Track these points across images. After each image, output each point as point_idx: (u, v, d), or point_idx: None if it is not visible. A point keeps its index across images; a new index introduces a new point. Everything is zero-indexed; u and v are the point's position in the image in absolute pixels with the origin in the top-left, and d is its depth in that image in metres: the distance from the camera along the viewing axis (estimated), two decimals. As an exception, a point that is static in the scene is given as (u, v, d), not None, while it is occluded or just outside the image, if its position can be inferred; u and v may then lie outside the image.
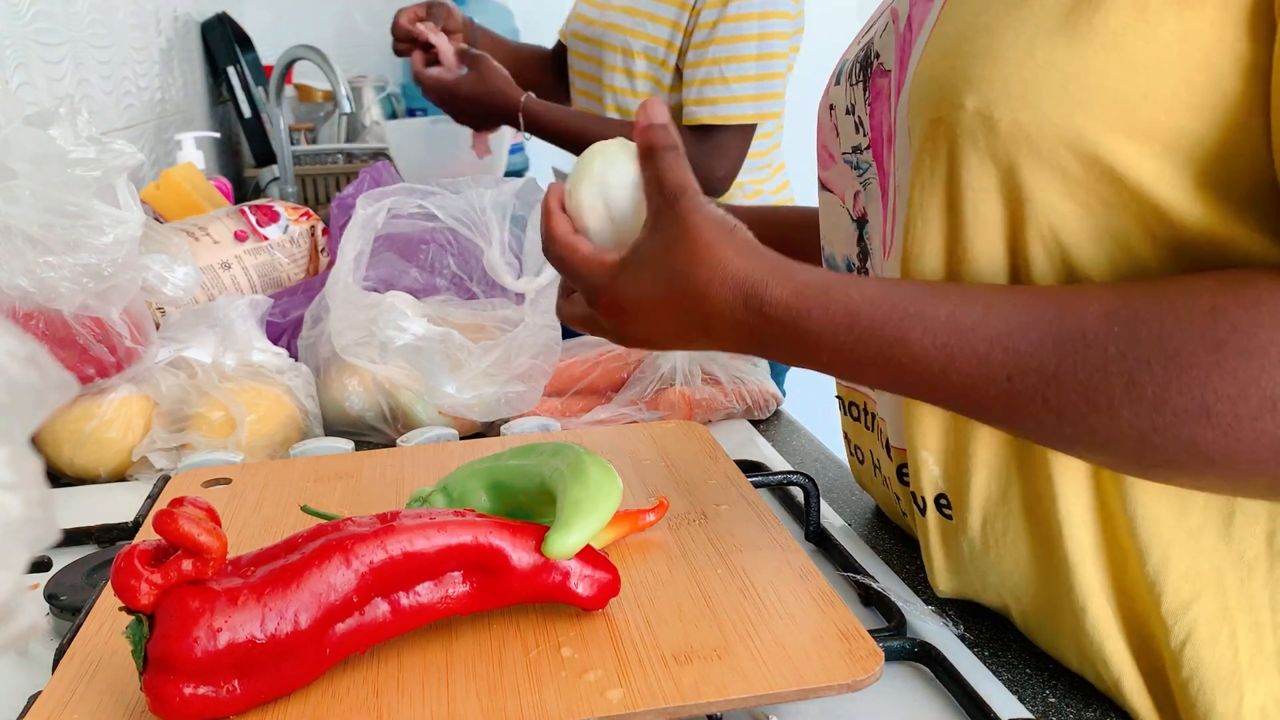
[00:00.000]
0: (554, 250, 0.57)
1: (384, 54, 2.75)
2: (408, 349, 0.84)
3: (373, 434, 0.89)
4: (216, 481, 0.70)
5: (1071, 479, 0.51)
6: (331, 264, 1.00)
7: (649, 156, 0.53)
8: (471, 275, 1.01)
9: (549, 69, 1.73)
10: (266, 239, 1.12)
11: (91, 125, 0.81)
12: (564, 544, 0.50)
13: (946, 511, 0.57)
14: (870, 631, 0.51)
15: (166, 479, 0.75)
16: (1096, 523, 0.51)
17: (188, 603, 0.43)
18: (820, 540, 0.67)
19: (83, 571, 0.63)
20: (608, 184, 0.56)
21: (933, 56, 0.51)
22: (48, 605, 0.60)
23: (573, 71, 1.63)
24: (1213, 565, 0.48)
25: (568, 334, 0.93)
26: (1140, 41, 0.43)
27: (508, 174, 1.89)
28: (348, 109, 1.67)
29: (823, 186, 0.67)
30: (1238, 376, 0.39)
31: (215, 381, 0.85)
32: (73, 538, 0.70)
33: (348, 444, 0.82)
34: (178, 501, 0.45)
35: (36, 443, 0.82)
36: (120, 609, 0.45)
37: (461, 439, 0.84)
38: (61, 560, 0.65)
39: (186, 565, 0.44)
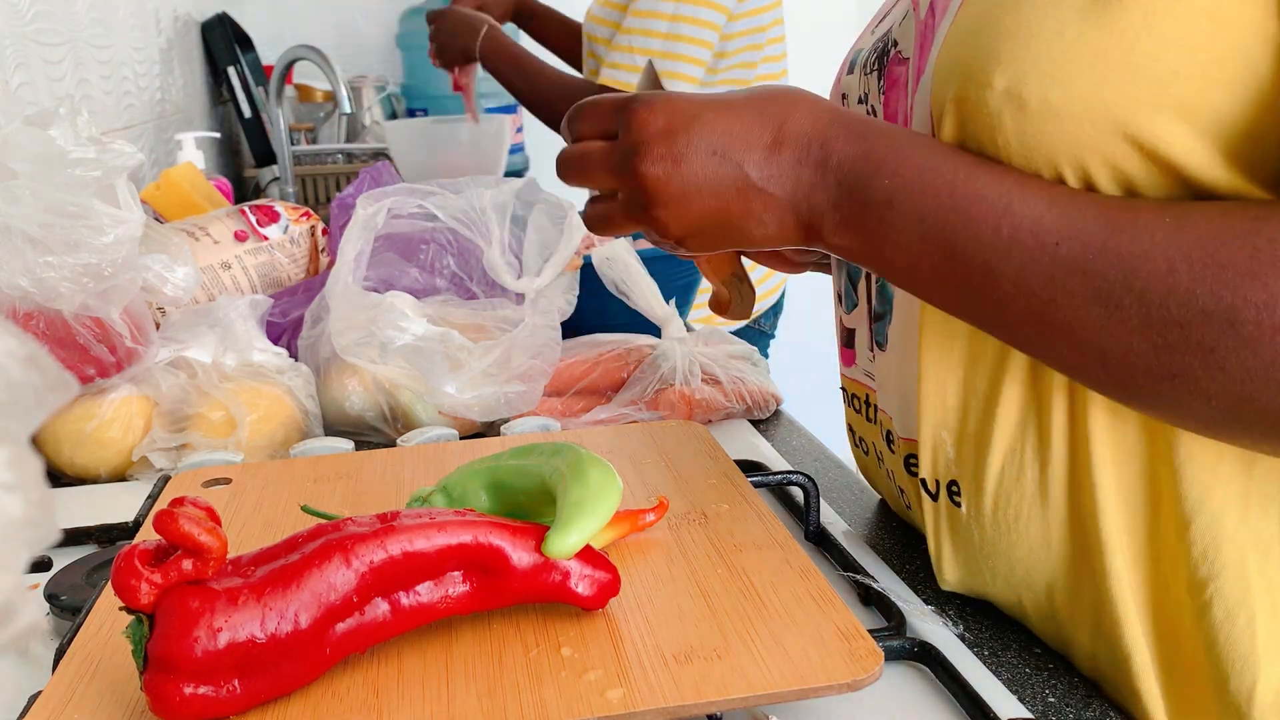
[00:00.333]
0: (590, 105, 0.56)
1: (384, 54, 2.76)
2: (408, 349, 0.84)
3: (373, 434, 0.89)
4: (216, 481, 0.70)
5: (1111, 448, 0.50)
6: (331, 264, 1.00)
7: None
8: (471, 275, 1.01)
9: (578, 47, 1.87)
10: (266, 239, 1.12)
11: (91, 125, 0.81)
12: (564, 544, 0.50)
13: (956, 499, 0.57)
14: (870, 631, 0.51)
15: (166, 479, 0.75)
16: (1135, 496, 0.51)
17: (188, 603, 0.43)
18: (820, 540, 0.67)
19: (83, 571, 0.63)
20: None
21: (958, 37, 0.51)
22: (48, 605, 0.60)
23: (584, 68, 1.80)
24: (1235, 546, 0.48)
25: (568, 334, 0.93)
26: (1171, 19, 0.43)
27: (508, 174, 1.90)
28: (348, 109, 1.67)
29: None
30: (1268, 286, 0.40)
31: (215, 381, 0.85)
32: (73, 538, 0.70)
33: (348, 444, 0.82)
34: (178, 501, 0.45)
35: (36, 443, 0.82)
36: (120, 609, 0.45)
37: (461, 439, 0.84)
38: (61, 560, 0.65)
39: (186, 565, 0.44)
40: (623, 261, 0.93)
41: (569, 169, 0.57)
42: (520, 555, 0.50)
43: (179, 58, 1.89)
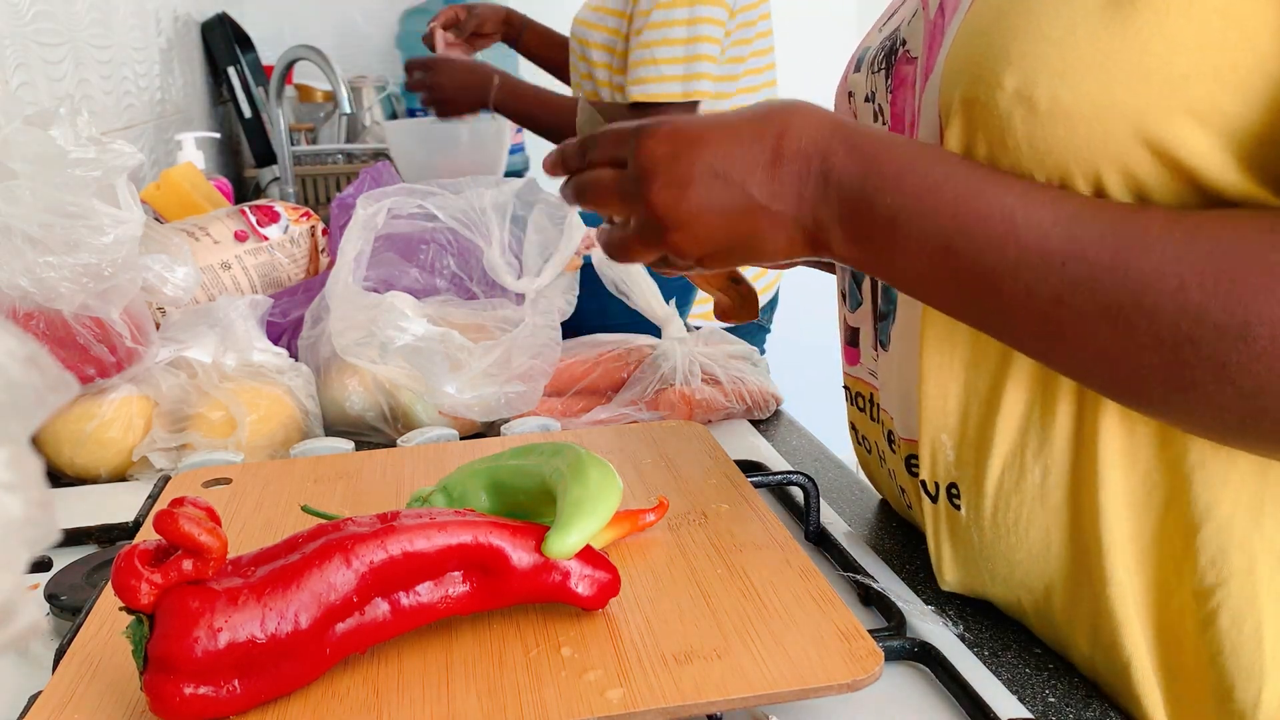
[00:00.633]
0: (602, 135, 0.56)
1: (384, 54, 2.76)
2: (408, 349, 0.84)
3: (373, 434, 0.89)
4: (217, 481, 0.70)
5: (1118, 453, 0.50)
6: (331, 264, 1.00)
7: None
8: (471, 275, 1.01)
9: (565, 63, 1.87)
10: (266, 239, 1.12)
11: (91, 125, 0.81)
12: (564, 544, 0.50)
13: (956, 502, 0.57)
14: (870, 631, 0.51)
15: (166, 479, 0.75)
16: (1141, 500, 0.50)
17: (188, 603, 0.43)
18: (820, 540, 0.67)
19: (83, 571, 0.63)
20: None
21: (968, 36, 0.50)
22: (48, 605, 0.60)
23: (572, 71, 1.80)
24: (1245, 553, 0.48)
25: (568, 334, 0.93)
26: (1183, 20, 0.43)
27: (508, 174, 1.90)
28: (348, 109, 1.67)
29: None
30: None
31: (215, 381, 0.85)
32: (73, 538, 0.70)
33: (348, 444, 0.82)
34: (178, 501, 0.45)
35: (36, 443, 0.82)
36: (120, 609, 0.45)
37: (461, 439, 0.84)
38: (61, 560, 0.65)
39: (187, 565, 0.44)
40: (623, 261, 0.93)
41: (582, 196, 0.58)
42: (520, 555, 0.50)
43: (179, 58, 1.89)
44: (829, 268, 0.75)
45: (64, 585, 0.61)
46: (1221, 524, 0.48)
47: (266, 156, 2.02)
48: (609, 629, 0.51)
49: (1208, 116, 0.43)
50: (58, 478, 0.84)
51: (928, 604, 0.60)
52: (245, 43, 2.17)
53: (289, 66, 1.78)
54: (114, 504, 0.78)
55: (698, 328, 1.04)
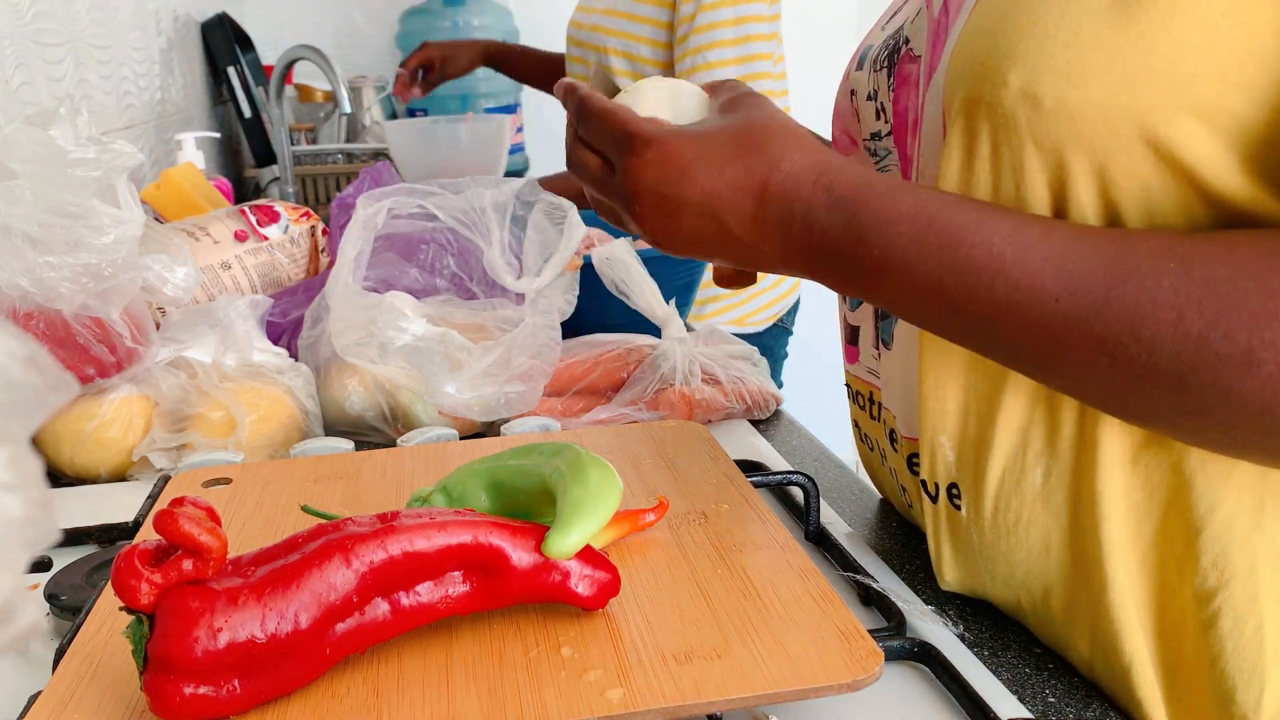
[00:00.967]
0: (596, 120, 0.55)
1: (384, 54, 2.76)
2: (408, 349, 0.84)
3: (373, 434, 0.89)
4: (216, 481, 0.70)
5: (1120, 456, 0.50)
6: (331, 264, 1.00)
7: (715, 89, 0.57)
8: (471, 275, 1.01)
9: (560, 73, 1.86)
10: (266, 239, 1.12)
11: (91, 125, 0.81)
12: (564, 544, 0.50)
13: (956, 502, 0.57)
14: (870, 631, 0.51)
15: (166, 479, 0.75)
16: (1142, 503, 0.50)
17: (188, 603, 0.43)
18: (820, 540, 0.67)
19: (83, 571, 0.63)
20: (679, 91, 0.58)
21: (973, 35, 0.50)
22: (48, 605, 0.60)
23: (568, 74, 1.75)
24: (1246, 554, 0.48)
25: (568, 334, 0.93)
26: (1189, 20, 0.43)
27: (508, 174, 1.90)
28: (348, 109, 1.67)
29: None
30: None
31: (215, 381, 0.85)
32: (73, 538, 0.70)
33: (348, 444, 0.82)
34: (178, 501, 0.45)
35: (36, 443, 0.82)
36: (120, 609, 0.45)
37: (461, 439, 0.84)
38: (61, 560, 0.65)
39: (187, 565, 0.44)
40: (623, 261, 0.93)
41: (572, 170, 0.59)
42: (520, 555, 0.50)
43: (179, 58, 1.89)
44: None
45: (64, 585, 0.61)
46: (1223, 526, 0.48)
47: (266, 156, 2.02)
48: (609, 629, 0.51)
49: (1213, 116, 0.43)
50: (58, 478, 0.84)
51: (928, 604, 0.60)
52: (245, 43, 2.17)
53: (289, 66, 1.78)
54: (114, 504, 0.78)
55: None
